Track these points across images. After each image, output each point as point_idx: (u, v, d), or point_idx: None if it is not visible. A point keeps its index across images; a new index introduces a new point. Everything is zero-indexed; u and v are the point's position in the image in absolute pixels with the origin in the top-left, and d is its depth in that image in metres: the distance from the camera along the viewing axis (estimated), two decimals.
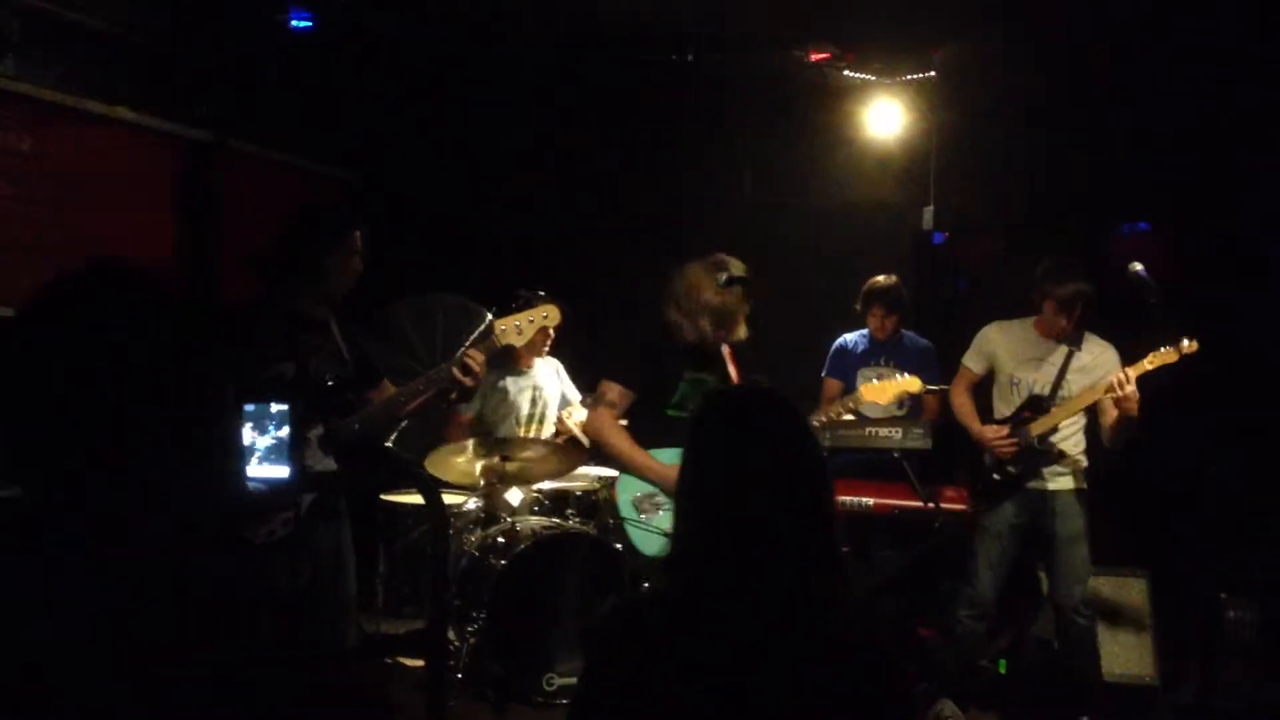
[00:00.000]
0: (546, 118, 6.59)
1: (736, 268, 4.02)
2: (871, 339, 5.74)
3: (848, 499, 5.22)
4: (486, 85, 6.41)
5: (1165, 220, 6.02)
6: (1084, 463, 4.65)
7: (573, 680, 4.51)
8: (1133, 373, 4.38)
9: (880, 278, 5.71)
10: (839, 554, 1.94)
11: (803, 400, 5.36)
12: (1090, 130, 5.81)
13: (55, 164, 5.24)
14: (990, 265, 6.40)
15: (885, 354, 5.68)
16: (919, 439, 5.06)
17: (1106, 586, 5.12)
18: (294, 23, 5.40)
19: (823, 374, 5.86)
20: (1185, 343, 4.36)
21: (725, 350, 4.16)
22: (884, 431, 5.34)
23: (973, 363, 4.85)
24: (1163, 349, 4.41)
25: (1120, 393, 4.34)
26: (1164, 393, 5.20)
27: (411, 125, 6.67)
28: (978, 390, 4.88)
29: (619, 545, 4.54)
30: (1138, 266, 4.58)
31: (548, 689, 4.58)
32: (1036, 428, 4.56)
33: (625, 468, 4.12)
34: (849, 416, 5.01)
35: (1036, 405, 4.59)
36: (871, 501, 5.22)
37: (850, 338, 5.82)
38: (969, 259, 6.50)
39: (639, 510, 4.03)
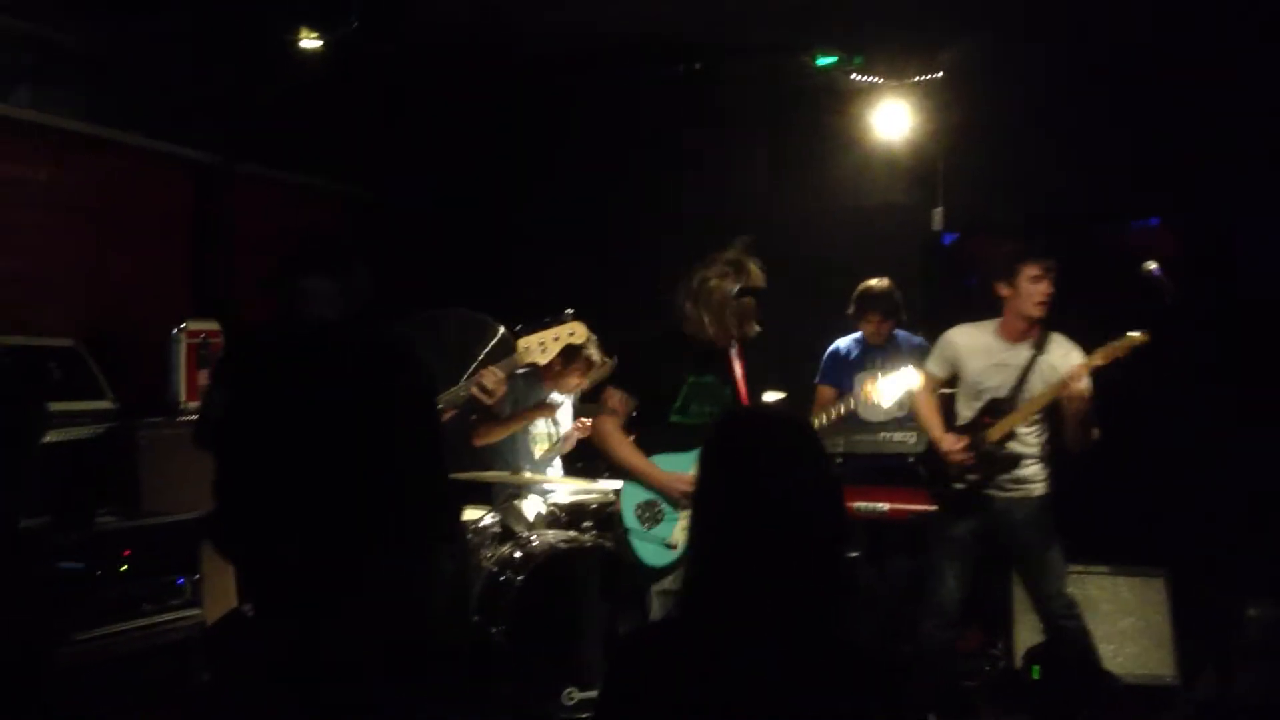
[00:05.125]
0: (555, 131, 6.61)
1: (755, 274, 4.02)
2: (865, 343, 5.66)
3: (862, 504, 5.21)
4: (494, 100, 6.43)
5: (1176, 215, 5.99)
6: (1046, 469, 4.50)
7: (592, 694, 4.54)
8: (1083, 369, 4.26)
9: (873, 281, 5.60)
10: (849, 577, 1.96)
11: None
12: (1099, 126, 5.78)
13: (71, 192, 5.33)
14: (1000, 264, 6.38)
15: (881, 357, 5.60)
16: None
17: (1125, 586, 5.10)
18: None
19: (816, 380, 5.77)
20: (1135, 334, 4.22)
21: (734, 350, 4.17)
22: (898, 436, 5.36)
23: (935, 367, 4.67)
24: (1112, 343, 4.26)
25: (1067, 390, 4.23)
26: (1183, 388, 5.20)
27: (421, 141, 6.70)
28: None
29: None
30: (1152, 265, 4.47)
31: (567, 703, 4.60)
32: (994, 433, 4.43)
33: (627, 474, 4.12)
34: (854, 411, 5.04)
35: (995, 410, 4.46)
36: (886, 507, 5.20)
37: (843, 343, 5.72)
38: (980, 258, 6.48)
39: (641, 520, 4.05)
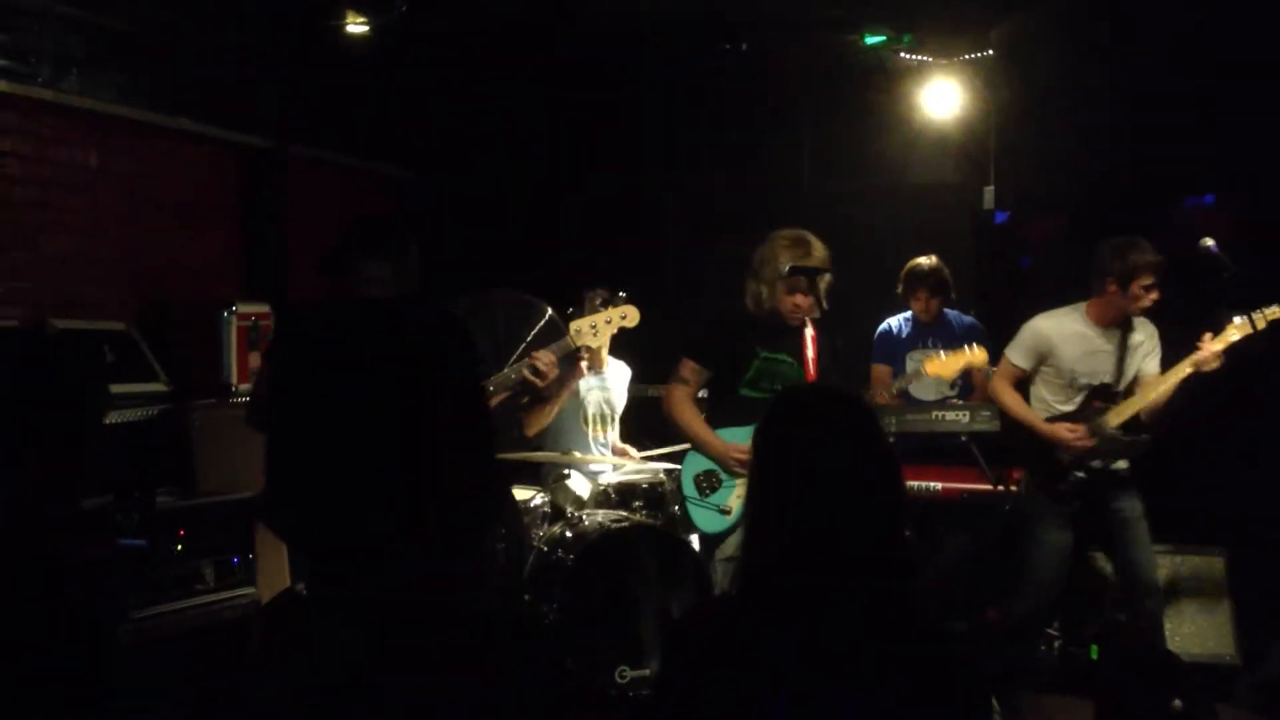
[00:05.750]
0: (601, 111, 6.60)
1: (817, 251, 4.06)
2: (915, 321, 5.65)
3: (915, 484, 5.17)
4: (541, 80, 6.42)
5: (1231, 192, 5.89)
6: None
7: (644, 673, 4.54)
8: (1220, 345, 4.31)
9: (922, 260, 5.59)
10: (909, 554, 1.94)
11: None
12: (1151, 103, 5.70)
13: (120, 176, 5.35)
14: (1053, 242, 6.32)
15: (932, 335, 5.58)
16: (987, 421, 4.96)
17: (1184, 565, 5.06)
18: None
19: (871, 361, 5.76)
20: (1270, 309, 4.28)
21: (810, 331, 4.15)
22: (951, 415, 5.27)
23: (1021, 359, 4.66)
24: (1237, 319, 4.33)
25: (1210, 367, 4.30)
26: (1241, 363, 5.12)
27: (468, 122, 6.71)
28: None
29: (691, 536, 4.59)
30: (1209, 242, 4.49)
31: (619, 681, 4.58)
32: (1116, 417, 4.43)
33: (690, 443, 4.27)
34: (906, 389, 5.15)
35: (1105, 394, 4.47)
36: (939, 486, 5.17)
37: (894, 322, 5.72)
38: (1032, 237, 6.42)
39: (699, 489, 4.15)
